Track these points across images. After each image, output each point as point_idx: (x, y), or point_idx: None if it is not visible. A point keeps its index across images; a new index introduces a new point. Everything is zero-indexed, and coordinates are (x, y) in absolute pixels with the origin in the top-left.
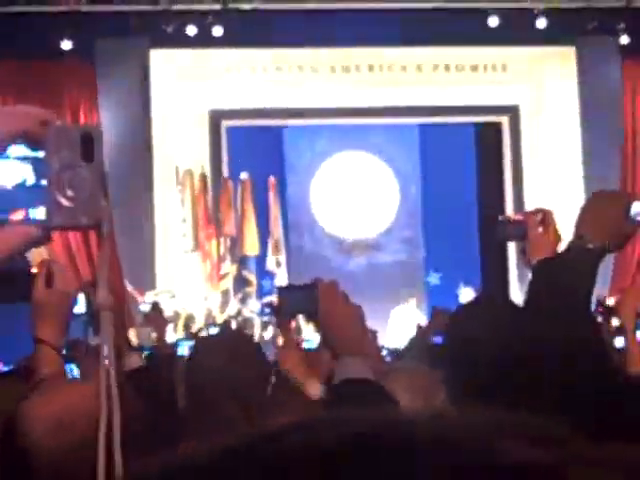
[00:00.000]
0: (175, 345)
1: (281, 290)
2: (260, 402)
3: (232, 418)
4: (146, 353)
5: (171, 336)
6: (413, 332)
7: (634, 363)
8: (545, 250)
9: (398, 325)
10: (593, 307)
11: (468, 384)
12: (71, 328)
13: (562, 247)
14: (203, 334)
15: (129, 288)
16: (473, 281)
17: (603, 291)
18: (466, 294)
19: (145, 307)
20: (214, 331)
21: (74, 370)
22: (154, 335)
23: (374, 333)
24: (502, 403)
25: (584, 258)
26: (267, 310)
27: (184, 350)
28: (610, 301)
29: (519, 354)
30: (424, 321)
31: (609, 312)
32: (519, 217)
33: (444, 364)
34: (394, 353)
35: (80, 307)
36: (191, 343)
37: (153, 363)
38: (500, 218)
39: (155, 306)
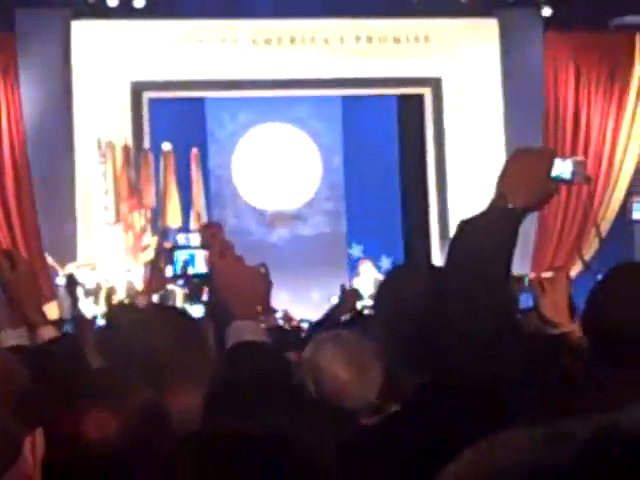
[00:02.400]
0: (95, 317)
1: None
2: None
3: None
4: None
5: (92, 308)
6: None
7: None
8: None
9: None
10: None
11: (401, 350)
12: None
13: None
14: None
15: (49, 260)
16: (395, 252)
17: (524, 266)
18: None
19: (61, 280)
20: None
21: None
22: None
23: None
24: (432, 366)
25: (505, 218)
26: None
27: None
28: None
29: (440, 316)
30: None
31: None
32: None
33: (376, 333)
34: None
35: None
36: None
37: (68, 335)
38: None
39: (70, 278)
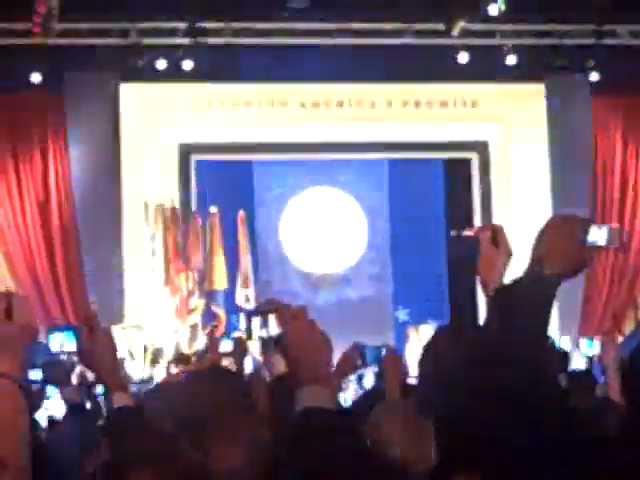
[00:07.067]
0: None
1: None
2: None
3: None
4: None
5: (138, 370)
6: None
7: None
8: (496, 267)
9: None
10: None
11: (442, 415)
12: None
13: (519, 272)
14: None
15: None
16: (442, 316)
17: (572, 328)
18: None
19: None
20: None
21: (54, 391)
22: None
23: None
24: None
25: (541, 285)
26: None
27: None
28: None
29: (480, 384)
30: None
31: None
32: (470, 232)
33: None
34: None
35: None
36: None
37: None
38: (452, 233)
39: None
